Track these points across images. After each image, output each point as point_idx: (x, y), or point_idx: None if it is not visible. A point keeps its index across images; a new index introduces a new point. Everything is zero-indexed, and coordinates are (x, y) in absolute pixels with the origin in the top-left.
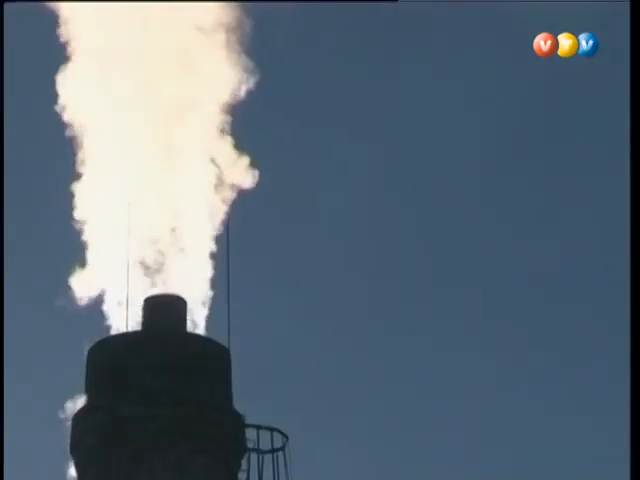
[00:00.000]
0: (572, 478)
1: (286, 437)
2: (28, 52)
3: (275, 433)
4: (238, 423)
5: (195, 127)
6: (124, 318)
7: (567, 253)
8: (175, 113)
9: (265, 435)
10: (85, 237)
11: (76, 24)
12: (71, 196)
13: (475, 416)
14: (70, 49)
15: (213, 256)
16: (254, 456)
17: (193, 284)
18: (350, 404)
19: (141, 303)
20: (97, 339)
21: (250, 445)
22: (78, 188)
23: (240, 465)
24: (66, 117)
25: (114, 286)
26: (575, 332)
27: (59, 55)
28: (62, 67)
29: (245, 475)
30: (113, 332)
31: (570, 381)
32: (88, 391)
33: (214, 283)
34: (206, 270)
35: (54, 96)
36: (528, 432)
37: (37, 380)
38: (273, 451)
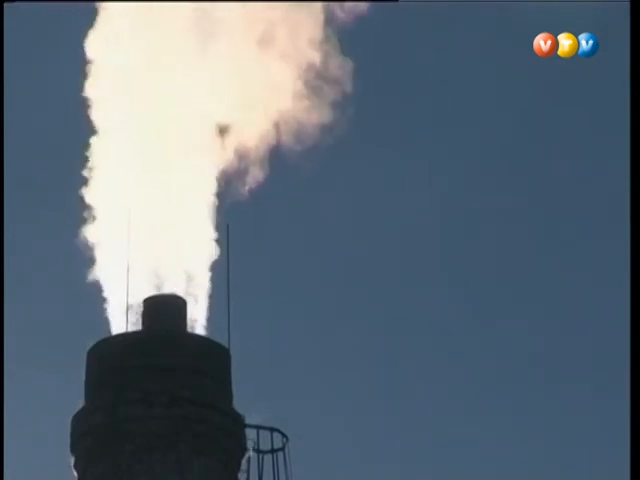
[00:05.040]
0: (572, 478)
1: (286, 437)
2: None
3: (275, 433)
4: (238, 423)
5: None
6: (124, 318)
7: (566, 253)
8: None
9: (265, 435)
10: (86, 236)
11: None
12: (74, 194)
13: (477, 416)
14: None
15: (213, 256)
16: (254, 456)
17: (193, 284)
18: (350, 404)
19: (141, 303)
20: (97, 339)
21: (250, 445)
22: (83, 189)
23: (240, 465)
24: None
25: (114, 286)
26: (575, 333)
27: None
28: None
29: (245, 475)
30: (113, 332)
31: (570, 382)
32: (88, 391)
33: (214, 283)
34: (206, 270)
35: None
36: (528, 432)
37: (37, 380)
38: (273, 451)
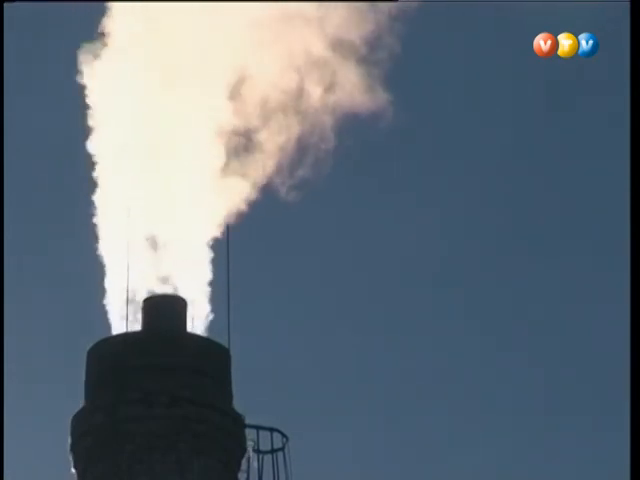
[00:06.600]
0: (572, 478)
1: (286, 437)
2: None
3: (275, 433)
4: (238, 423)
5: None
6: (124, 318)
7: (566, 253)
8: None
9: (265, 435)
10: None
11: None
12: (74, 195)
13: (477, 416)
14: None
15: (213, 256)
16: (254, 456)
17: (193, 284)
18: (350, 404)
19: (141, 303)
20: (97, 339)
21: (250, 445)
22: (83, 189)
23: (240, 465)
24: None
25: (114, 286)
26: (576, 333)
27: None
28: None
29: (245, 475)
30: (113, 332)
31: (570, 383)
32: (88, 391)
33: (214, 283)
34: (206, 270)
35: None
36: (528, 432)
37: (38, 380)
38: (273, 451)
